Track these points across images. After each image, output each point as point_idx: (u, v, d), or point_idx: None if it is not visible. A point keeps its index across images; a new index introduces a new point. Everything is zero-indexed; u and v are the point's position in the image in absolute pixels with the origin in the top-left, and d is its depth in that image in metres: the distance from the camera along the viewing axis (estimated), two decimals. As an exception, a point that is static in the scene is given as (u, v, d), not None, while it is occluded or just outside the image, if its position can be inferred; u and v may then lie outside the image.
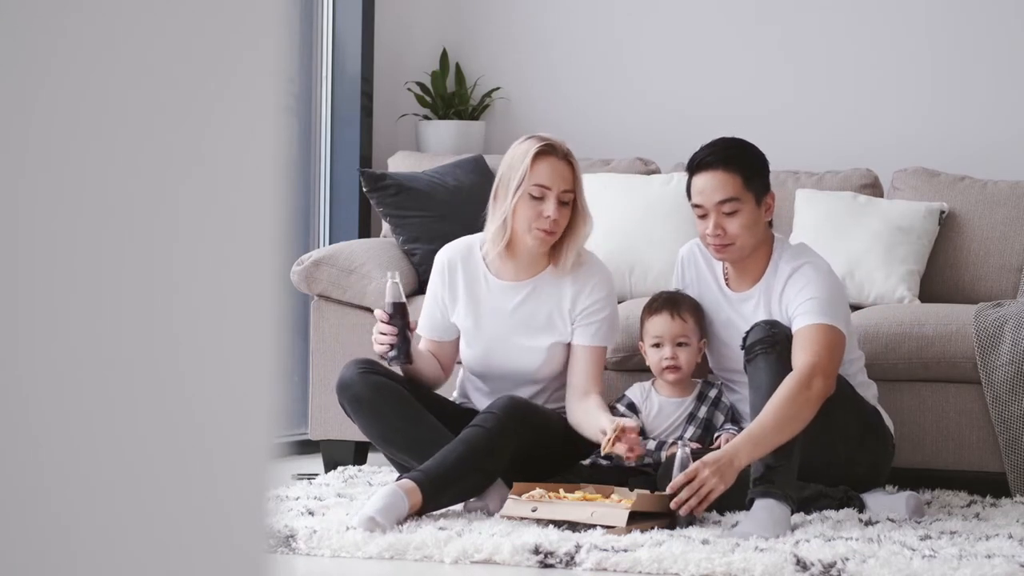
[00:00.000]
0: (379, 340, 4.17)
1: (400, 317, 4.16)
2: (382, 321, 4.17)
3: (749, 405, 4.06)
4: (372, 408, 4.16)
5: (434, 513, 3.96)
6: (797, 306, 4.11)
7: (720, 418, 4.33)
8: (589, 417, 4.15)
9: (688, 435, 4.27)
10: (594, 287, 4.28)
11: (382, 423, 4.16)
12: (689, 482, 3.85)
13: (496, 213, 4.25)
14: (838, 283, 4.25)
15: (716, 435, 4.29)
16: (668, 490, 3.88)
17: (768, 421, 3.93)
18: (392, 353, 4.16)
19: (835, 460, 4.14)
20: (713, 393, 4.34)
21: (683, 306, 4.30)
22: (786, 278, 4.19)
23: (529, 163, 4.18)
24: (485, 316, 4.33)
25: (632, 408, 4.32)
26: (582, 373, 4.26)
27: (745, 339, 4.08)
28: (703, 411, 4.32)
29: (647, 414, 4.32)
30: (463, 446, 3.99)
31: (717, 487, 3.85)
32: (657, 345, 4.30)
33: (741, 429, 4.29)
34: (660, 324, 4.28)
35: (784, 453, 3.91)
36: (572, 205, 4.23)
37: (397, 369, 4.26)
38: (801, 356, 4.02)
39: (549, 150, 4.21)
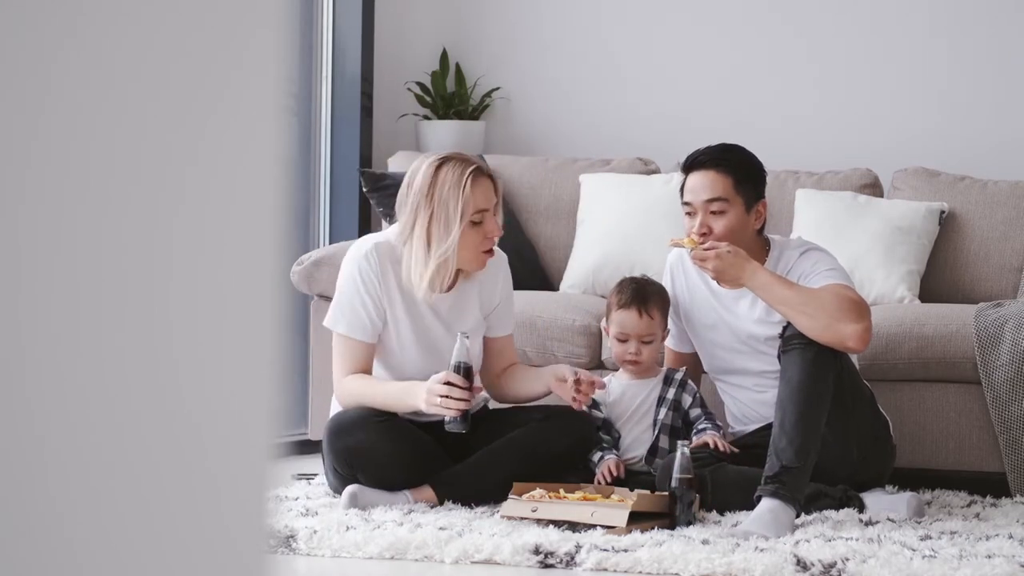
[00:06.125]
0: (452, 405, 3.97)
1: (471, 380, 4.03)
2: (457, 385, 3.97)
3: (777, 397, 3.99)
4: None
5: (434, 512, 3.96)
6: (816, 274, 4.13)
7: (687, 399, 4.32)
8: (529, 377, 4.26)
9: (661, 417, 4.28)
10: (503, 282, 4.31)
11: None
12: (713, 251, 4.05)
13: (434, 251, 4.07)
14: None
15: (695, 432, 4.27)
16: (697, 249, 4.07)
17: (800, 289, 4.04)
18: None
19: (848, 459, 4.12)
20: (678, 376, 4.35)
21: (651, 302, 4.31)
22: (795, 259, 4.18)
23: (470, 193, 4.06)
24: (425, 325, 4.23)
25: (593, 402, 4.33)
26: (509, 357, 4.34)
27: (784, 330, 4.05)
28: (671, 392, 4.33)
29: (609, 399, 4.34)
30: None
31: (716, 263, 4.03)
32: (622, 340, 4.31)
33: (718, 428, 4.28)
34: (628, 321, 4.30)
35: (803, 454, 3.88)
36: None
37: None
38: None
39: (479, 172, 4.12)
